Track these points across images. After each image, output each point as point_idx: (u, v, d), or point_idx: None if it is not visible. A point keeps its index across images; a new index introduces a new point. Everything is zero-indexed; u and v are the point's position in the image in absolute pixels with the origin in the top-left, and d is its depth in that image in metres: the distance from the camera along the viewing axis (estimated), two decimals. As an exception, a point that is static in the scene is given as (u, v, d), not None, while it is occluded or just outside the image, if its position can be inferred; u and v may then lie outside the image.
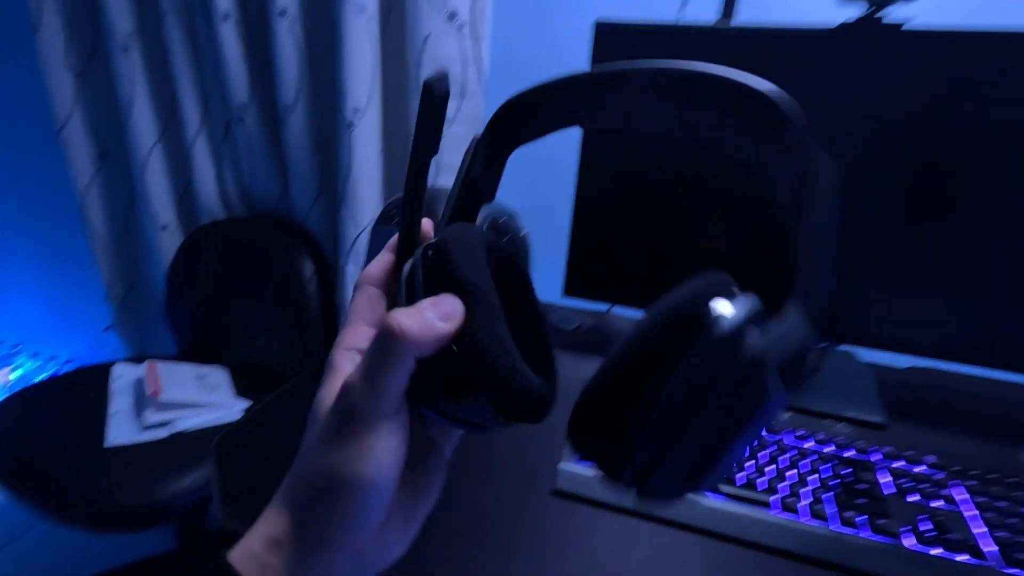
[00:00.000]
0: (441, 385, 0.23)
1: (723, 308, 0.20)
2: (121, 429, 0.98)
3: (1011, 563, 0.44)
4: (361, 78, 0.97)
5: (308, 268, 1.14)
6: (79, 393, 1.08)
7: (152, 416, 0.98)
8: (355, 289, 0.27)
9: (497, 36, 0.95)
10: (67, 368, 1.70)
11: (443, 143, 0.92)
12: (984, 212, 0.61)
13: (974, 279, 0.63)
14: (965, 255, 0.63)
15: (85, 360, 1.74)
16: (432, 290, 0.23)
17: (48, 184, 1.57)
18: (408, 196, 0.26)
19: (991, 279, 0.63)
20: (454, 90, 0.94)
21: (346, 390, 0.23)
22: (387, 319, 0.21)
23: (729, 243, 0.71)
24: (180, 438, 0.98)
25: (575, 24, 0.68)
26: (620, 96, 0.26)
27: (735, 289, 0.22)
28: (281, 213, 1.23)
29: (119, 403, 1.04)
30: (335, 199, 1.10)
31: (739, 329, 0.20)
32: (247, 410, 1.01)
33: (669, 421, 0.20)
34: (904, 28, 0.60)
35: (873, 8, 0.61)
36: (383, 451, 0.22)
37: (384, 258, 0.27)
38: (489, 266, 0.24)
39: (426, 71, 0.93)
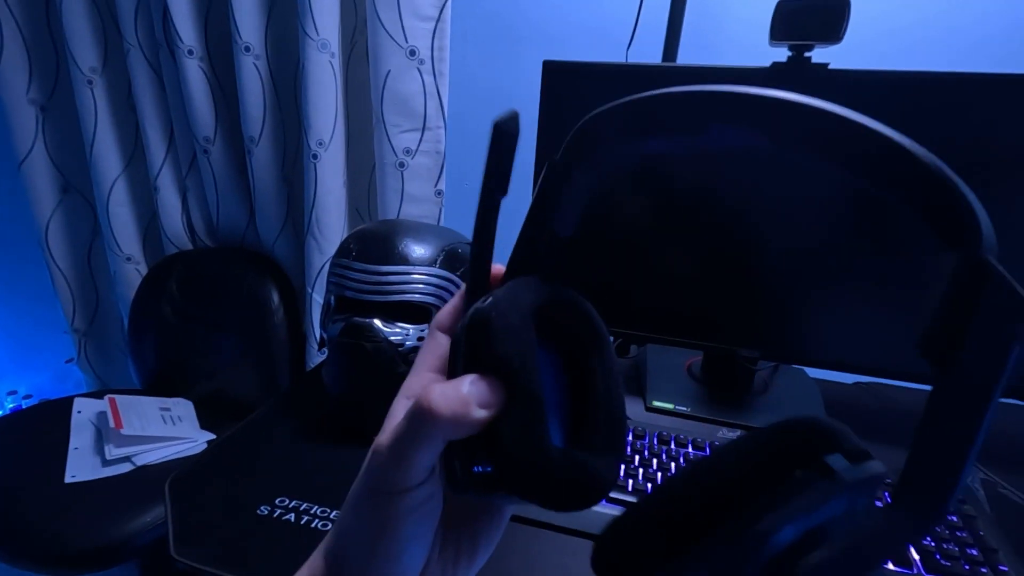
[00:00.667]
0: (469, 468, 0.21)
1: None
2: (82, 465, 0.97)
3: (931, 570, 0.46)
4: (325, 112, 0.99)
5: (275, 297, 1.14)
6: (39, 429, 1.06)
7: (114, 451, 0.97)
8: (427, 334, 0.26)
9: (456, 72, 0.99)
10: (27, 403, 1.65)
11: (407, 173, 0.94)
12: (916, 239, 0.66)
13: (909, 302, 0.67)
14: (900, 280, 0.67)
15: (46, 394, 1.70)
16: (471, 364, 0.21)
17: (6, 215, 1.55)
18: (477, 240, 0.23)
19: (925, 302, 0.67)
20: (416, 123, 0.97)
21: (374, 453, 0.22)
22: (422, 394, 0.20)
23: (697, 272, 0.73)
24: (143, 472, 0.96)
25: (532, 61, 0.71)
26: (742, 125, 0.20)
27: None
28: (247, 243, 1.23)
29: (80, 438, 1.03)
30: (301, 228, 1.12)
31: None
32: (210, 443, 1.00)
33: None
34: (830, 68, 0.65)
35: (798, 50, 0.65)
36: (407, 524, 0.22)
37: (455, 303, 0.25)
38: (546, 329, 0.22)
39: (388, 105, 0.96)
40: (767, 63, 0.67)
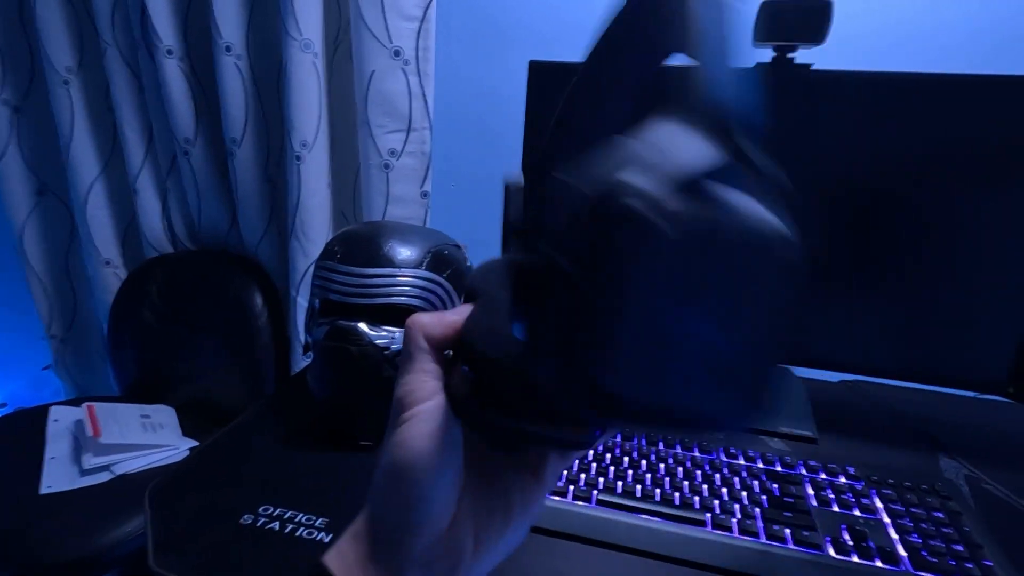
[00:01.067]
0: (457, 374, 0.24)
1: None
2: (58, 475, 0.94)
3: (919, 567, 0.47)
4: (308, 113, 0.98)
5: (258, 300, 1.12)
6: (14, 438, 1.03)
7: (91, 460, 0.95)
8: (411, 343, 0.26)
9: (442, 72, 0.98)
10: (2, 412, 1.61)
11: (392, 175, 0.93)
12: (901, 239, 0.66)
13: (894, 301, 0.68)
14: (886, 280, 0.68)
15: (22, 402, 1.65)
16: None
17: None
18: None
19: (910, 302, 0.67)
20: (401, 124, 0.96)
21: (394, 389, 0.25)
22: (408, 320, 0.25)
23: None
24: (122, 482, 0.94)
25: (519, 61, 0.71)
26: None
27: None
28: (230, 246, 1.21)
29: (56, 448, 1.00)
30: (285, 231, 1.10)
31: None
32: (192, 450, 0.98)
33: None
34: (813, 68, 0.65)
35: (781, 51, 0.66)
36: (419, 436, 0.23)
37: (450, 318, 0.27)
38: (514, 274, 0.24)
39: (373, 106, 0.95)
40: (751, 64, 0.67)
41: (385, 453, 0.24)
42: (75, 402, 1.12)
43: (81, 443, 0.99)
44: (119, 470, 0.95)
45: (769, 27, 0.65)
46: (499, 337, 0.22)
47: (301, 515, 0.52)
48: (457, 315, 0.25)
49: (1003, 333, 0.65)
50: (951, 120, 0.62)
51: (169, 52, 1.03)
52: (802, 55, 0.66)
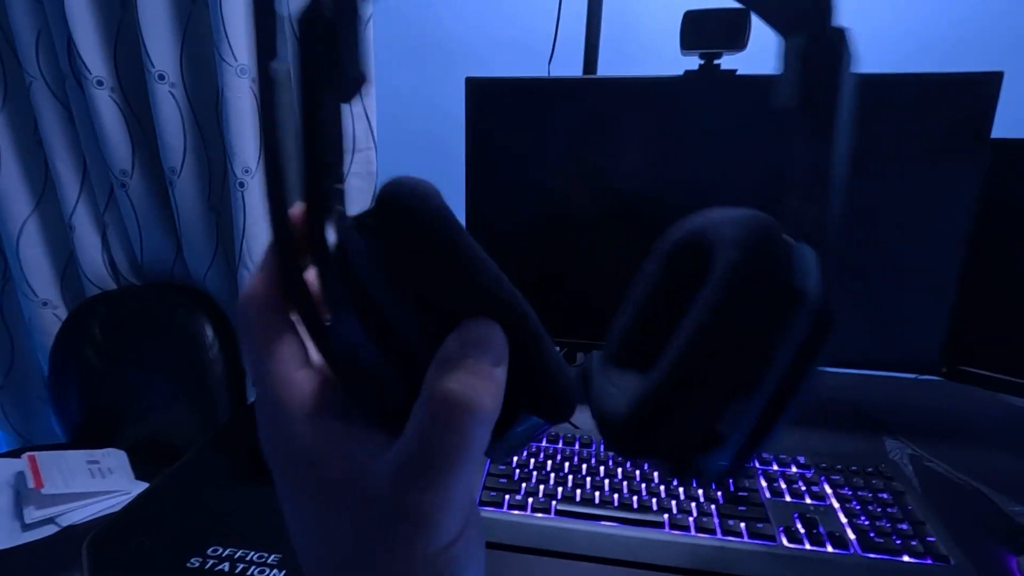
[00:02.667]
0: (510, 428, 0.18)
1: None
2: (-2, 533, 0.88)
3: (867, 548, 0.48)
4: (248, 138, 0.96)
5: (208, 332, 1.09)
6: (-52, 497, 0.97)
7: (34, 513, 0.89)
8: (248, 320, 0.19)
9: (384, 92, 0.98)
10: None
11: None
12: (874, 234, 0.68)
13: (832, 293, 0.70)
14: (856, 273, 0.70)
15: (-41, 457, 1.56)
16: (432, 302, 0.16)
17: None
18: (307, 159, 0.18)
19: (846, 292, 0.70)
20: (347, 145, 0.95)
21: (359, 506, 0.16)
22: (441, 391, 0.15)
23: (630, 279, 0.75)
24: (68, 534, 0.89)
25: (459, 77, 0.71)
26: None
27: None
28: (176, 278, 1.17)
29: (-5, 504, 0.94)
30: (233, 259, 1.07)
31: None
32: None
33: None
34: (738, 73, 0.68)
35: (708, 58, 0.68)
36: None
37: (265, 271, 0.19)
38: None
39: (315, 128, 0.94)
40: (681, 71, 0.69)
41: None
42: (15, 453, 1.06)
43: (22, 496, 0.94)
44: (65, 521, 0.90)
45: (694, 36, 0.67)
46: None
47: (252, 553, 0.50)
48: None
49: (933, 316, 0.68)
50: (871, 117, 0.65)
51: (100, 83, 0.99)
52: (728, 61, 0.68)
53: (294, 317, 0.18)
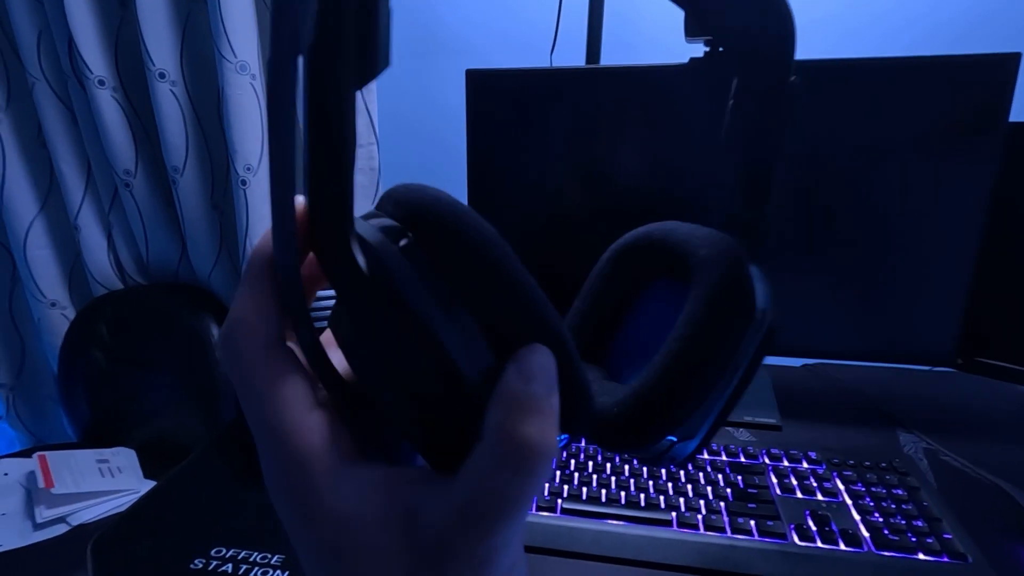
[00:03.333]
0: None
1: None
2: (9, 532, 0.89)
3: (881, 546, 0.47)
4: (250, 136, 0.96)
5: (215, 331, 1.09)
6: (-38, 497, 0.98)
7: (45, 512, 0.90)
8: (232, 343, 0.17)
9: (384, 86, 0.97)
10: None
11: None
12: (845, 222, 0.67)
13: (846, 285, 0.69)
14: (833, 263, 0.68)
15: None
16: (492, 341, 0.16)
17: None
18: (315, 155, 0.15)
19: (859, 283, 0.68)
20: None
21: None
22: (516, 436, 0.14)
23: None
24: (79, 533, 0.90)
25: (460, 71, 0.70)
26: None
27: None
28: (181, 277, 1.17)
29: (7, 503, 0.95)
30: (237, 257, 1.07)
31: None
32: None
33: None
34: (745, 60, 0.66)
35: (712, 45, 0.66)
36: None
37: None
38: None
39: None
40: (686, 60, 0.67)
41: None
42: (27, 453, 1.07)
43: (33, 496, 0.94)
44: (75, 520, 0.91)
45: (699, 23, 0.65)
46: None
47: (255, 554, 0.50)
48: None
49: (948, 307, 0.66)
50: (883, 103, 0.63)
51: (101, 83, 0.99)
52: (733, 48, 0.66)
53: (292, 344, 0.17)
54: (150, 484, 1.00)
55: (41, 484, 0.92)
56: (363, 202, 0.99)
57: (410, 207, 0.17)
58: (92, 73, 0.98)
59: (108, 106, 1.00)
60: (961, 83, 0.61)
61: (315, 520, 0.16)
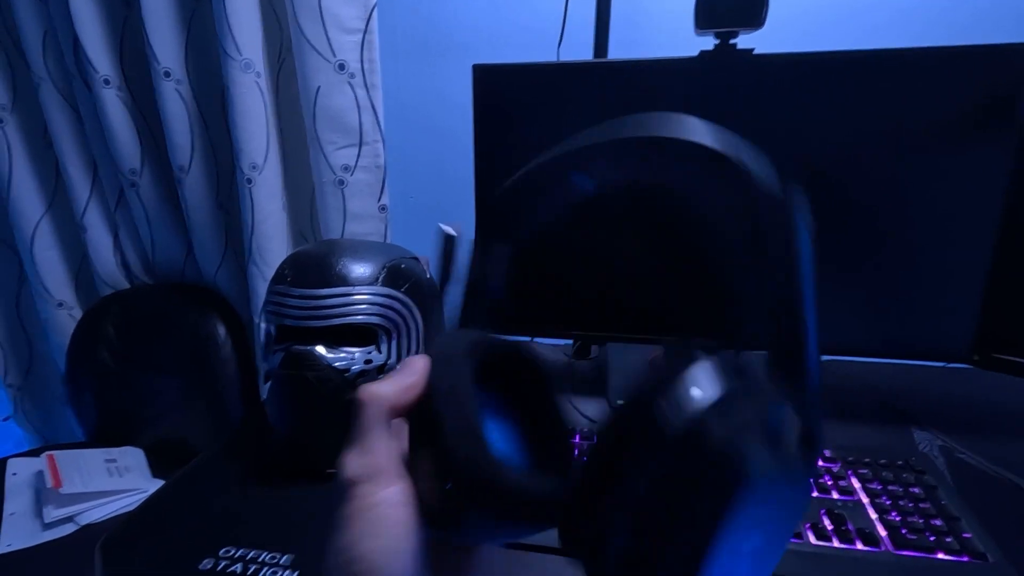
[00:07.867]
0: (438, 488, 0.22)
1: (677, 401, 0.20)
2: (18, 532, 0.89)
3: (899, 546, 0.46)
4: (255, 134, 0.95)
5: (221, 331, 1.09)
6: (-29, 497, 0.98)
7: (53, 512, 0.90)
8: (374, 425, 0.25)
9: (390, 83, 0.96)
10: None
11: (347, 191, 0.91)
12: (858, 219, 0.66)
13: (860, 281, 0.68)
14: (853, 263, 0.67)
15: (-17, 457, 1.58)
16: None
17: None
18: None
19: (874, 279, 0.67)
20: (352, 139, 0.94)
21: (341, 466, 0.23)
22: (357, 392, 0.24)
23: (649, 267, 0.73)
24: (88, 532, 0.90)
25: (466, 66, 0.70)
26: (605, 164, 0.28)
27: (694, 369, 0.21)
28: (188, 277, 1.17)
29: (16, 503, 0.95)
30: (243, 256, 1.07)
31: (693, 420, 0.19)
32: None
33: (645, 521, 0.20)
34: (755, 53, 0.65)
35: (723, 37, 0.65)
36: (383, 534, 0.21)
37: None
38: (482, 365, 0.24)
39: (321, 122, 0.93)
40: (696, 52, 0.66)
41: (343, 546, 0.22)
42: (35, 452, 1.07)
43: (42, 496, 0.94)
44: (84, 520, 0.91)
45: (709, 14, 0.64)
46: (478, 446, 0.22)
47: (265, 554, 0.50)
48: (412, 377, 0.24)
49: (964, 302, 0.65)
50: (894, 95, 0.62)
51: (106, 82, 0.99)
52: (744, 40, 0.65)
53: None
54: (158, 483, 1.00)
55: (49, 484, 0.92)
56: (368, 200, 0.98)
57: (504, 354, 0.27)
58: (97, 72, 0.98)
59: (113, 105, 1.00)
60: (976, 74, 0.60)
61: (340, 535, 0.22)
